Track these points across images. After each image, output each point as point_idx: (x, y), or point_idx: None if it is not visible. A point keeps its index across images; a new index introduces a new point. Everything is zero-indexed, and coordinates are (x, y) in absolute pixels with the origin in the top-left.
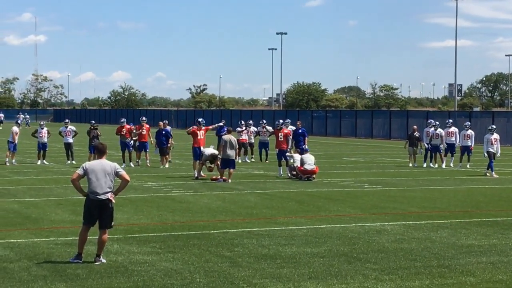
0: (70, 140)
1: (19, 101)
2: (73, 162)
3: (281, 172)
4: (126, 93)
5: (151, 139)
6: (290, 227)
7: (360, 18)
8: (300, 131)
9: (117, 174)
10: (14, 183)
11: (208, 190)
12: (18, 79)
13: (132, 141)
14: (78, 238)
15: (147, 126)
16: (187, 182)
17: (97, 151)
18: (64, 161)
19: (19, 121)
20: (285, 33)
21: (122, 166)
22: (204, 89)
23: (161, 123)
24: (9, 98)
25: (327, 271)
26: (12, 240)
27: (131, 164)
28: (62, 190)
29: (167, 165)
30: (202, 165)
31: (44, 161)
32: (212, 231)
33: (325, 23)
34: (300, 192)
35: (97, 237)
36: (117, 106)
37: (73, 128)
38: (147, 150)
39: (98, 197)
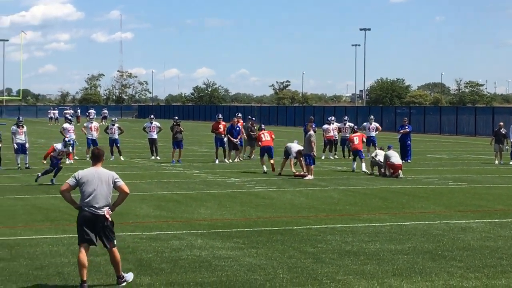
0: (155, 135)
1: (105, 97)
2: (158, 157)
3: (354, 167)
4: (209, 90)
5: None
6: (374, 224)
7: (447, 14)
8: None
9: (115, 185)
10: None
11: (291, 186)
12: (103, 75)
13: (226, 138)
14: (77, 263)
15: (241, 121)
16: (270, 178)
17: (93, 156)
18: (149, 157)
19: (91, 117)
20: (369, 29)
21: (216, 162)
22: (287, 86)
23: (235, 119)
24: (95, 94)
25: (411, 268)
26: None
27: (226, 160)
28: (146, 186)
29: (236, 160)
30: (286, 161)
31: (121, 157)
32: (295, 227)
33: (410, 19)
34: (383, 188)
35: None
36: (200, 102)
37: (158, 124)
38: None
39: (93, 211)
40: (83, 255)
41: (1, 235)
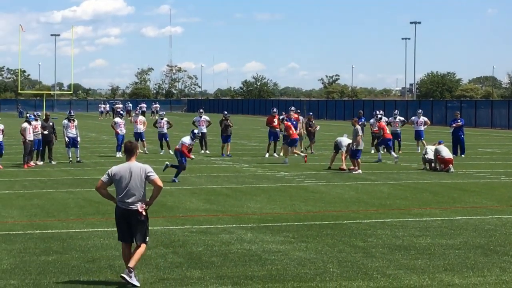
0: (204, 129)
1: (154, 91)
2: (207, 151)
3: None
4: (258, 84)
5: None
6: (424, 218)
7: (499, 6)
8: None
9: (148, 178)
10: None
11: (341, 180)
12: (153, 69)
13: (281, 133)
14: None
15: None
16: (320, 172)
17: (125, 151)
18: (198, 150)
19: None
20: (419, 22)
21: (266, 156)
22: (336, 79)
23: (291, 113)
24: (144, 89)
25: (462, 263)
26: (149, 228)
27: (275, 154)
28: (196, 179)
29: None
30: (335, 155)
31: (170, 150)
32: (345, 221)
33: (461, 11)
34: (434, 183)
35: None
36: (249, 96)
37: (207, 118)
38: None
39: (127, 206)
40: (124, 251)
41: (53, 228)
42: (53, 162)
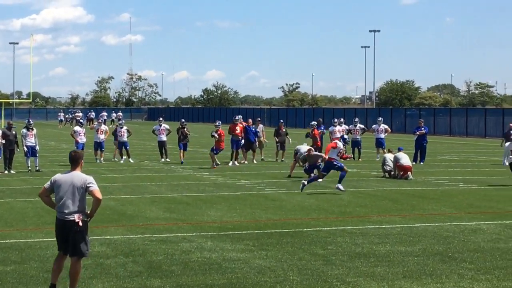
0: (164, 138)
1: (114, 99)
2: (167, 160)
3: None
4: (219, 92)
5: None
6: (384, 226)
7: (457, 15)
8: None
9: (87, 189)
10: (110, 180)
11: None
12: (113, 78)
13: (243, 140)
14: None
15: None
16: (280, 180)
17: (70, 160)
18: (158, 159)
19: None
20: (378, 31)
21: (230, 164)
22: (296, 88)
23: (250, 120)
24: (104, 97)
25: (421, 270)
26: (108, 237)
27: (236, 163)
28: (156, 188)
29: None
30: (296, 163)
31: (130, 159)
32: (305, 229)
33: (420, 20)
34: (393, 190)
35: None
36: (210, 104)
37: (167, 126)
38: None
39: (63, 217)
40: (58, 261)
41: (12, 238)
42: (12, 172)
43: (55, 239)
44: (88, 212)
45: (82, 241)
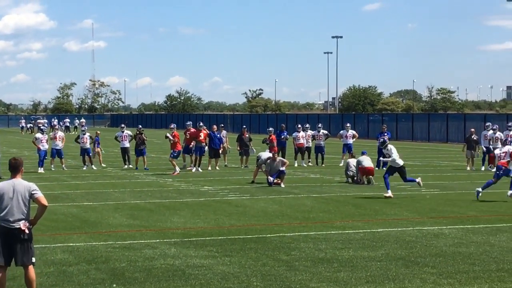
0: (127, 144)
1: (77, 106)
2: (130, 166)
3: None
4: (182, 98)
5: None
6: (347, 231)
7: (419, 21)
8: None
9: (32, 196)
10: (73, 187)
11: (265, 194)
12: (75, 84)
13: (206, 147)
14: None
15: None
16: (243, 186)
17: (10, 168)
18: (121, 166)
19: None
20: (341, 37)
21: (194, 170)
22: (260, 94)
23: (214, 126)
24: (67, 104)
25: (384, 275)
26: (71, 244)
27: (199, 169)
28: (119, 195)
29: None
30: (258, 169)
31: (93, 166)
32: (269, 235)
33: (382, 26)
34: (356, 195)
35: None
36: (173, 111)
37: (130, 132)
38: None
39: (8, 225)
40: (1, 275)
41: None
42: None
43: None
44: (32, 219)
45: (29, 249)
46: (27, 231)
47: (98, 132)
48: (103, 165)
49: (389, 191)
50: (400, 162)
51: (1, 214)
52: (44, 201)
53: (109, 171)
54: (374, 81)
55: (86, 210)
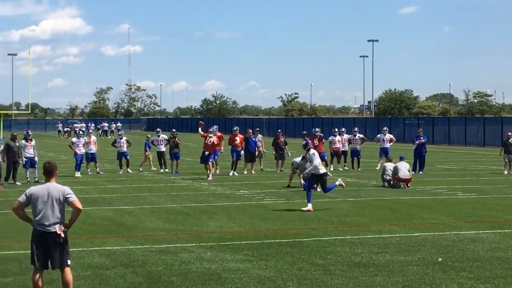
0: (163, 148)
1: (113, 110)
2: (166, 170)
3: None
4: (218, 102)
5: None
6: (383, 235)
7: (455, 24)
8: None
9: (67, 200)
10: (109, 191)
11: (301, 198)
12: (112, 88)
13: (242, 151)
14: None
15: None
16: (279, 190)
17: (44, 172)
18: (158, 170)
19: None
20: (377, 40)
21: (230, 174)
22: (295, 97)
23: (250, 130)
24: (103, 108)
25: (421, 280)
26: (108, 247)
27: (235, 173)
28: (155, 198)
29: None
30: (294, 173)
31: (128, 169)
32: (305, 239)
33: (418, 29)
34: (393, 200)
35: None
36: (209, 115)
37: (165, 136)
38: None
39: (44, 228)
40: (37, 277)
41: (11, 249)
42: (18, 183)
43: (31, 253)
44: (67, 222)
45: (65, 252)
46: (62, 234)
47: (149, 136)
48: (153, 168)
49: (310, 204)
50: (322, 169)
51: (37, 218)
52: (78, 204)
53: (145, 175)
54: (410, 84)
55: (123, 214)
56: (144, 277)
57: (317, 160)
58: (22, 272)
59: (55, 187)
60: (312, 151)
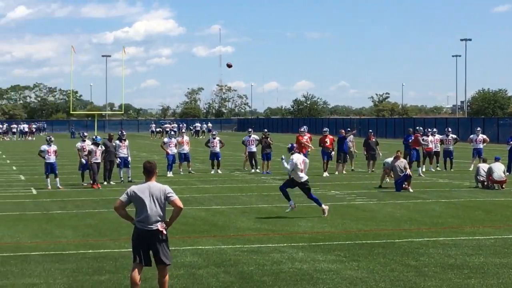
0: (254, 149)
1: (204, 111)
2: (257, 170)
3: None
4: (308, 102)
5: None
6: (477, 237)
7: None
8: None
9: (168, 199)
10: (201, 191)
11: (392, 199)
12: (203, 89)
13: (333, 152)
14: (130, 281)
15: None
16: (371, 191)
17: (145, 171)
18: (249, 170)
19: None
20: (470, 40)
21: (324, 175)
22: (386, 97)
23: (342, 130)
24: (195, 108)
25: None
26: (200, 247)
27: (327, 174)
28: (247, 198)
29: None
30: (385, 173)
31: (219, 170)
32: (397, 240)
33: None
34: (487, 201)
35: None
36: (300, 115)
37: (256, 137)
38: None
39: (146, 227)
40: (135, 273)
41: (106, 248)
42: (112, 183)
43: (132, 250)
44: (167, 220)
45: (167, 249)
46: (164, 231)
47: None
48: (251, 169)
49: (291, 202)
50: (304, 178)
51: (140, 217)
52: (179, 203)
53: (236, 175)
54: (504, 84)
55: (214, 214)
56: (236, 276)
57: (291, 166)
58: (117, 270)
59: (156, 186)
60: (295, 156)
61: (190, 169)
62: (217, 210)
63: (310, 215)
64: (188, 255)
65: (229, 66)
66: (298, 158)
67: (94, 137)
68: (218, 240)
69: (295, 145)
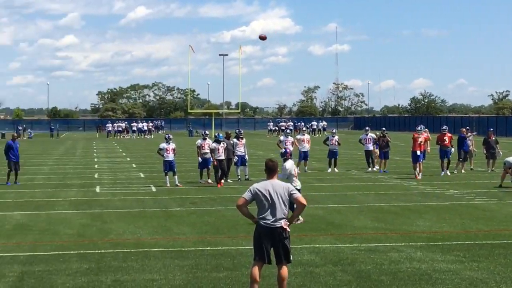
0: (370, 147)
1: (321, 109)
2: (374, 169)
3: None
4: (426, 100)
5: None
6: None
7: None
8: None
9: (291, 196)
10: (318, 189)
11: None
12: (319, 87)
13: (453, 149)
14: (249, 277)
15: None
16: (490, 190)
17: (267, 169)
18: (365, 168)
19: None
20: None
21: (441, 174)
22: (506, 95)
23: (463, 129)
24: (311, 107)
25: None
26: (317, 245)
27: (448, 172)
28: (364, 197)
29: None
30: (506, 173)
31: (336, 169)
32: None
33: None
34: None
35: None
36: (417, 113)
37: (373, 135)
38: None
39: (270, 224)
40: (256, 270)
41: (224, 245)
42: (229, 181)
43: (254, 247)
44: (289, 217)
45: (289, 247)
46: (288, 229)
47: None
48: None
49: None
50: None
51: (263, 215)
52: (303, 200)
53: (353, 174)
54: None
55: (331, 212)
56: (354, 275)
57: (283, 175)
58: (235, 267)
59: (279, 184)
60: (288, 163)
61: (306, 168)
62: (334, 209)
63: (427, 215)
64: (306, 253)
65: (263, 38)
66: (291, 165)
67: (216, 134)
68: (335, 238)
69: (288, 150)
